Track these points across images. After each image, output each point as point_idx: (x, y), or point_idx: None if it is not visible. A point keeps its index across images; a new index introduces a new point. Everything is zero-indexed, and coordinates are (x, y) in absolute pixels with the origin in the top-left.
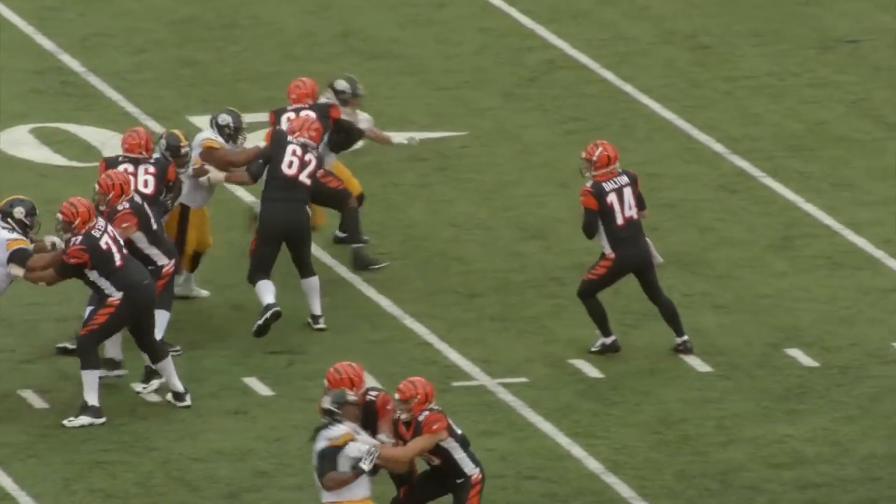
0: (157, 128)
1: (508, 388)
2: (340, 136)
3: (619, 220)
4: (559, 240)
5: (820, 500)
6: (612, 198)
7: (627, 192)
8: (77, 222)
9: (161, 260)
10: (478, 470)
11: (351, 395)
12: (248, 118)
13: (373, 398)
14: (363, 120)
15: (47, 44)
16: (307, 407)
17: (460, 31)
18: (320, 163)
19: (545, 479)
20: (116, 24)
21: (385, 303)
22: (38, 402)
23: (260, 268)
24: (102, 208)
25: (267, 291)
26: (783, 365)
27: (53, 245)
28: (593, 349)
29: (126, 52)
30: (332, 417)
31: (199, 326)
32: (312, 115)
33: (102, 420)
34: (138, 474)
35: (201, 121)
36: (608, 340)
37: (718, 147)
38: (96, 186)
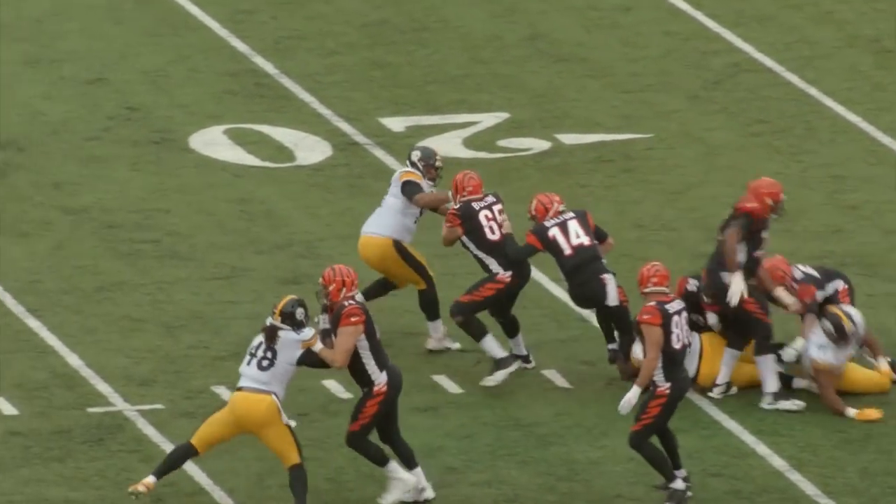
0: (347, 129)
1: (694, 387)
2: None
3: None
4: None
5: None
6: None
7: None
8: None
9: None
10: (384, 381)
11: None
12: (436, 120)
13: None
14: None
15: (241, 46)
16: (496, 404)
17: (646, 34)
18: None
19: (730, 477)
20: (309, 26)
21: (573, 303)
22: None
23: None
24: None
25: None
26: None
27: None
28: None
29: (318, 55)
30: (296, 325)
31: (389, 326)
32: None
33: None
34: (330, 470)
35: (392, 122)
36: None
37: None
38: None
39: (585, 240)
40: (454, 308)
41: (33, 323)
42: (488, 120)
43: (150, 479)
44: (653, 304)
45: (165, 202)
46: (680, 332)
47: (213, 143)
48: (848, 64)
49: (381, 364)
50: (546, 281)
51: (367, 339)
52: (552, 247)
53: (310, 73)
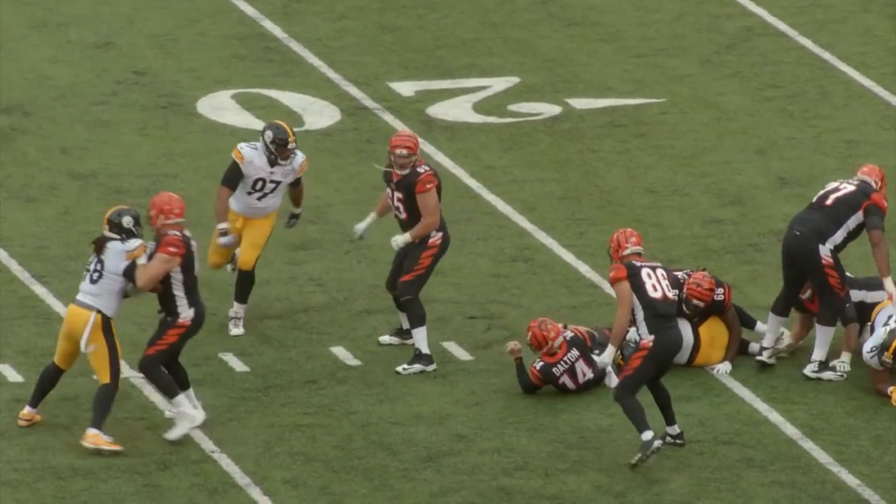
0: (356, 93)
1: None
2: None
3: None
4: (756, 206)
5: None
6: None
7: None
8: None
9: None
10: (191, 315)
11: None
12: (446, 84)
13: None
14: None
15: (249, 10)
16: (506, 371)
17: None
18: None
19: (742, 445)
20: None
21: (584, 268)
22: (238, 365)
23: None
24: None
25: None
26: None
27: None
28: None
29: (327, 19)
30: (127, 235)
31: None
32: None
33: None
34: (338, 438)
35: (401, 87)
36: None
37: None
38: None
39: (590, 374)
40: (402, 288)
41: (39, 289)
42: (499, 84)
43: (28, 410)
44: (618, 262)
45: (173, 167)
46: (657, 283)
47: (220, 107)
48: (862, 28)
49: (192, 302)
50: (556, 247)
51: (182, 273)
52: (555, 383)
53: (319, 38)
